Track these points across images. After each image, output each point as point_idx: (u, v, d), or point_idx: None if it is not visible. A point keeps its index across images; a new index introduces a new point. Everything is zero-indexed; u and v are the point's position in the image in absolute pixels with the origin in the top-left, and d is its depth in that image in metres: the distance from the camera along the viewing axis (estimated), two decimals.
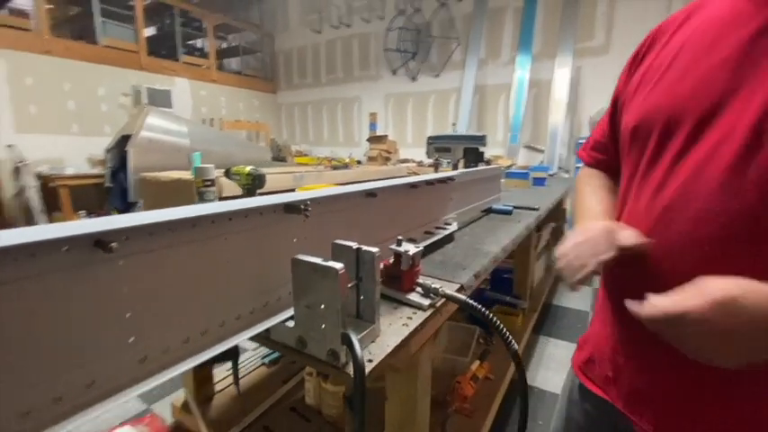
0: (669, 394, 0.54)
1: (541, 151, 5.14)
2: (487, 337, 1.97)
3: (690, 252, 0.49)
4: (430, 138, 2.66)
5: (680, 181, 0.50)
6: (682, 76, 0.52)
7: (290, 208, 0.58)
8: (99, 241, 0.37)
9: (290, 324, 0.56)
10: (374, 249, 0.57)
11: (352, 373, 0.49)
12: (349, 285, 0.59)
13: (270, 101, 7.89)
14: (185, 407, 1.46)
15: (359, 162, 5.65)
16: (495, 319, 0.65)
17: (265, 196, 0.60)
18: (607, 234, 0.54)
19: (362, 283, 0.59)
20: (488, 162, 2.99)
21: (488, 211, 1.64)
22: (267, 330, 0.58)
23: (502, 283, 2.42)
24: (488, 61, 5.51)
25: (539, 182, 2.86)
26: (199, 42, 7.24)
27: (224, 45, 7.86)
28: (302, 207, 0.58)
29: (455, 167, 2.72)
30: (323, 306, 0.51)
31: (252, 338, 0.56)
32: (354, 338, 0.50)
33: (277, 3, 7.53)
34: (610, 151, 0.73)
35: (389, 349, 0.56)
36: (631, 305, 0.45)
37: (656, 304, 0.43)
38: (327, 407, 1.36)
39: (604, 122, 0.73)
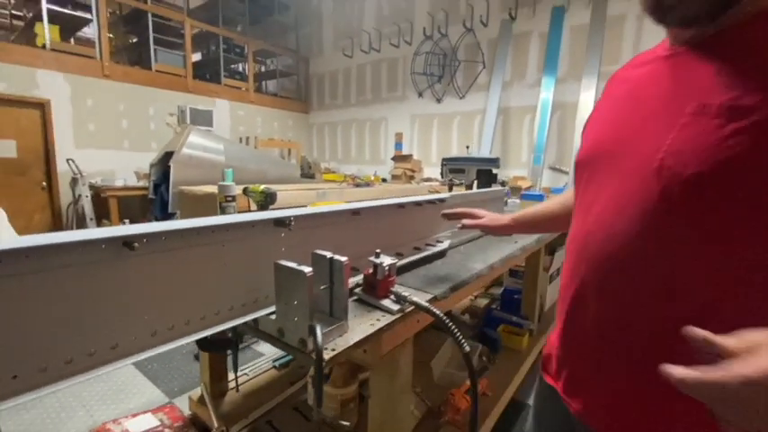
0: (598, 381, 0.61)
1: (566, 173, 5.11)
2: (490, 354, 2.01)
3: (600, 267, 0.58)
4: (444, 159, 2.77)
5: (598, 210, 0.60)
6: (611, 122, 0.63)
7: (278, 222, 0.72)
8: (126, 242, 0.51)
9: (273, 317, 0.69)
10: (343, 258, 0.69)
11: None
12: (322, 287, 0.71)
13: (302, 120, 8.30)
14: (201, 400, 1.61)
15: (384, 180, 5.82)
16: (449, 323, 0.74)
17: (259, 212, 0.74)
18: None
19: (334, 286, 0.71)
20: (503, 183, 3.05)
21: None
22: (255, 321, 0.71)
23: (511, 304, 2.46)
24: (513, 83, 5.59)
25: None
26: (239, 66, 7.79)
27: (262, 68, 8.41)
28: (287, 221, 0.71)
29: (469, 188, 2.81)
30: (296, 302, 0.64)
31: (242, 327, 0.69)
32: (318, 330, 0.61)
33: (312, 29, 8.02)
34: None
35: (352, 342, 0.68)
36: (666, 368, 0.35)
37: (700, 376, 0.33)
38: (326, 408, 1.46)
39: None
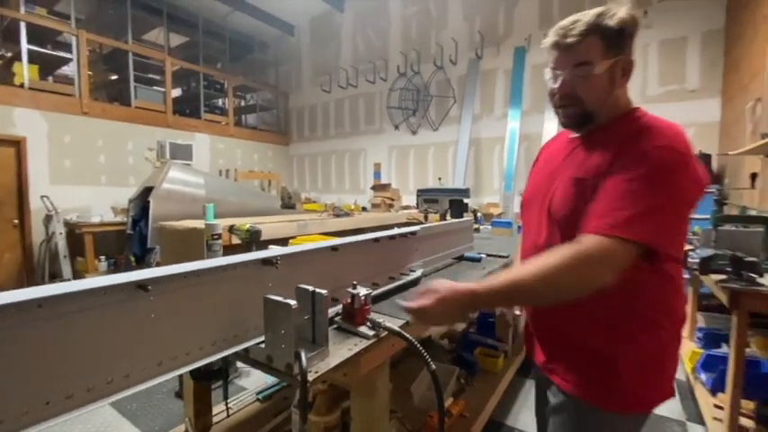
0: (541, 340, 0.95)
1: None
2: (468, 377, 2.10)
3: None
4: (419, 190, 2.95)
5: (530, 232, 0.93)
6: (534, 177, 1.00)
7: (265, 262, 0.83)
8: (140, 285, 0.61)
9: (262, 346, 0.79)
10: (323, 291, 0.80)
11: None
12: (306, 317, 0.82)
13: (282, 152, 8.45)
14: None
15: (364, 208, 5.96)
16: (416, 344, 0.85)
17: (248, 253, 0.85)
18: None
19: (316, 316, 0.81)
20: (475, 212, 3.23)
21: (460, 258, 1.86)
22: (246, 350, 0.80)
23: (486, 327, 2.57)
24: (483, 116, 5.95)
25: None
26: (220, 101, 7.95)
27: (242, 103, 8.60)
28: (274, 261, 0.82)
29: (443, 216, 2.97)
30: (282, 332, 0.74)
31: (234, 355, 0.78)
32: (303, 355, 0.71)
33: (292, 66, 8.33)
34: None
35: (332, 365, 0.78)
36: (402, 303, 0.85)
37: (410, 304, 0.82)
38: None
39: None
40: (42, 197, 4.90)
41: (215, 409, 1.74)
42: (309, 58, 8.05)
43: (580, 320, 0.83)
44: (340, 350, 0.85)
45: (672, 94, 4.59)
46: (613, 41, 0.79)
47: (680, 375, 2.62)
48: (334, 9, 7.26)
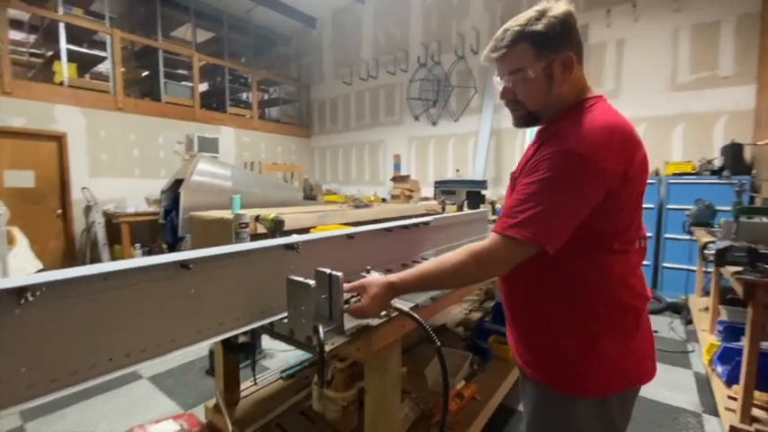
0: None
1: None
2: (481, 363, 2.17)
3: None
4: (437, 182, 3.00)
5: None
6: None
7: (288, 247, 0.92)
8: (182, 264, 0.72)
9: (285, 321, 0.89)
10: (339, 273, 0.89)
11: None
12: (323, 297, 0.91)
13: (304, 145, 8.62)
14: (216, 408, 1.77)
15: (383, 200, 6.05)
16: (424, 322, 0.93)
17: (275, 239, 0.95)
18: None
19: (333, 295, 0.91)
20: (493, 203, 3.26)
21: None
22: (271, 325, 0.90)
23: (501, 316, 2.62)
24: (504, 106, 5.87)
25: None
26: (244, 95, 8.17)
27: (266, 96, 8.80)
28: (295, 246, 0.92)
29: (460, 208, 3.02)
30: (303, 308, 0.83)
31: (260, 328, 0.89)
32: (321, 329, 0.81)
33: (313, 59, 8.43)
34: None
35: (346, 339, 0.87)
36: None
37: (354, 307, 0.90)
38: (329, 411, 1.62)
39: None
40: (82, 189, 5.23)
41: (242, 386, 1.89)
42: (331, 51, 8.13)
43: (528, 311, 0.94)
44: (354, 326, 0.94)
45: (703, 80, 4.41)
46: (543, 44, 0.82)
47: (699, 368, 2.60)
48: (356, 1, 7.29)
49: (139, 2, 6.55)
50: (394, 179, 6.44)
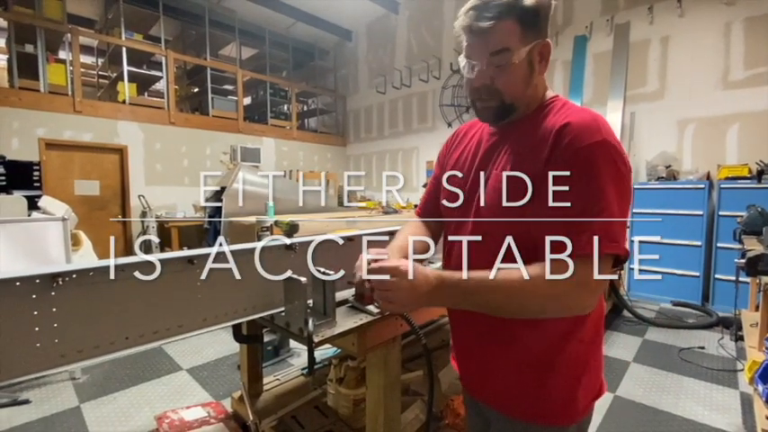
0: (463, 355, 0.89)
1: None
2: None
3: None
4: None
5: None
6: (463, 163, 0.87)
7: (288, 247, 1.02)
8: (189, 260, 0.83)
9: (283, 314, 0.98)
10: (331, 272, 0.97)
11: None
12: (318, 294, 0.99)
13: (340, 153, 8.88)
14: (241, 399, 1.91)
15: (415, 205, 6.09)
16: (412, 321, 0.98)
17: (275, 239, 1.05)
18: None
19: (326, 293, 0.99)
20: None
21: None
22: (272, 317, 1.00)
23: None
24: None
25: None
26: (284, 107, 8.58)
27: (304, 108, 9.18)
28: (294, 247, 1.01)
29: None
30: (296, 303, 0.92)
31: (261, 319, 0.98)
32: (310, 322, 0.89)
33: (349, 70, 8.70)
34: None
35: (335, 332, 0.94)
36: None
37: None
38: (342, 407, 1.70)
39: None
40: (139, 196, 5.75)
41: (266, 380, 2.02)
42: (366, 62, 8.35)
43: (513, 338, 0.77)
44: (347, 322, 1.02)
45: (760, 77, 4.07)
46: (531, 24, 0.70)
47: (746, 388, 2.39)
48: (390, 12, 7.46)
49: (191, 25, 7.13)
50: (426, 185, 6.47)
